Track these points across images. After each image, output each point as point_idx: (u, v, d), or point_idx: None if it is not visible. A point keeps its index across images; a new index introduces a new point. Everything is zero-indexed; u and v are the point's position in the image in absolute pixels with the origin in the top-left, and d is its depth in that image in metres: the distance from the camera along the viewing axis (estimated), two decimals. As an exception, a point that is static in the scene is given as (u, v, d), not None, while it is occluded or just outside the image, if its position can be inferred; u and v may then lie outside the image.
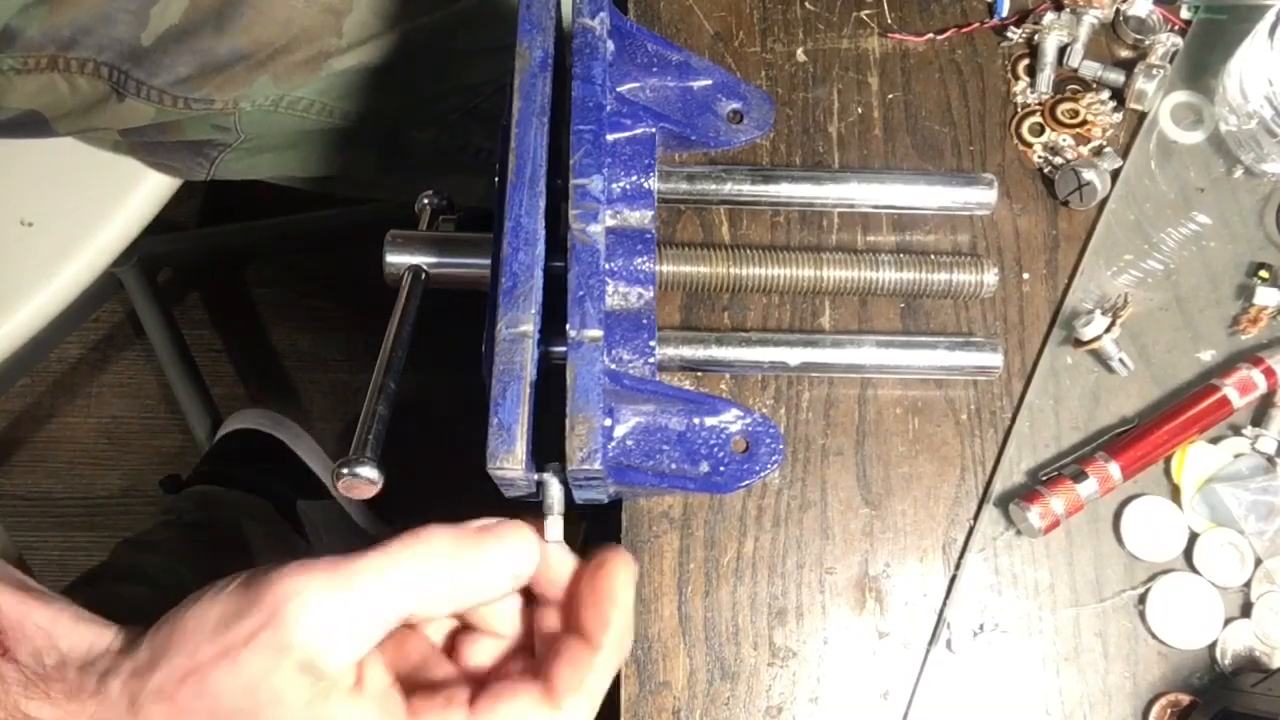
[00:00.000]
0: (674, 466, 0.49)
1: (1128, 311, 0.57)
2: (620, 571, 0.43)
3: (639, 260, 0.52)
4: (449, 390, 1.17)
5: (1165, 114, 0.62)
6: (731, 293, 0.58)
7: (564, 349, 0.46)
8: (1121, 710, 0.54)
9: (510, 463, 0.43)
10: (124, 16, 0.73)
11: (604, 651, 0.42)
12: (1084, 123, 0.61)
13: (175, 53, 0.74)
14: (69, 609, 0.43)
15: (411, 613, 0.41)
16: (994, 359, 0.56)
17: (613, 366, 0.50)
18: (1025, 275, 0.60)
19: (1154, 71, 0.60)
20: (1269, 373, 0.56)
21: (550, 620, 0.45)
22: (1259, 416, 0.57)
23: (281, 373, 1.46)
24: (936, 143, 0.62)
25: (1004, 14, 0.63)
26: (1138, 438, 0.55)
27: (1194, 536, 0.55)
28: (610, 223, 0.53)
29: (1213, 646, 0.54)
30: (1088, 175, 0.58)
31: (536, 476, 0.45)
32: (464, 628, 0.46)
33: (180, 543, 1.09)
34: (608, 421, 0.48)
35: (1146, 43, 0.62)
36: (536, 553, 0.43)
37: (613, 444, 0.49)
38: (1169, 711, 0.54)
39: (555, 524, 0.45)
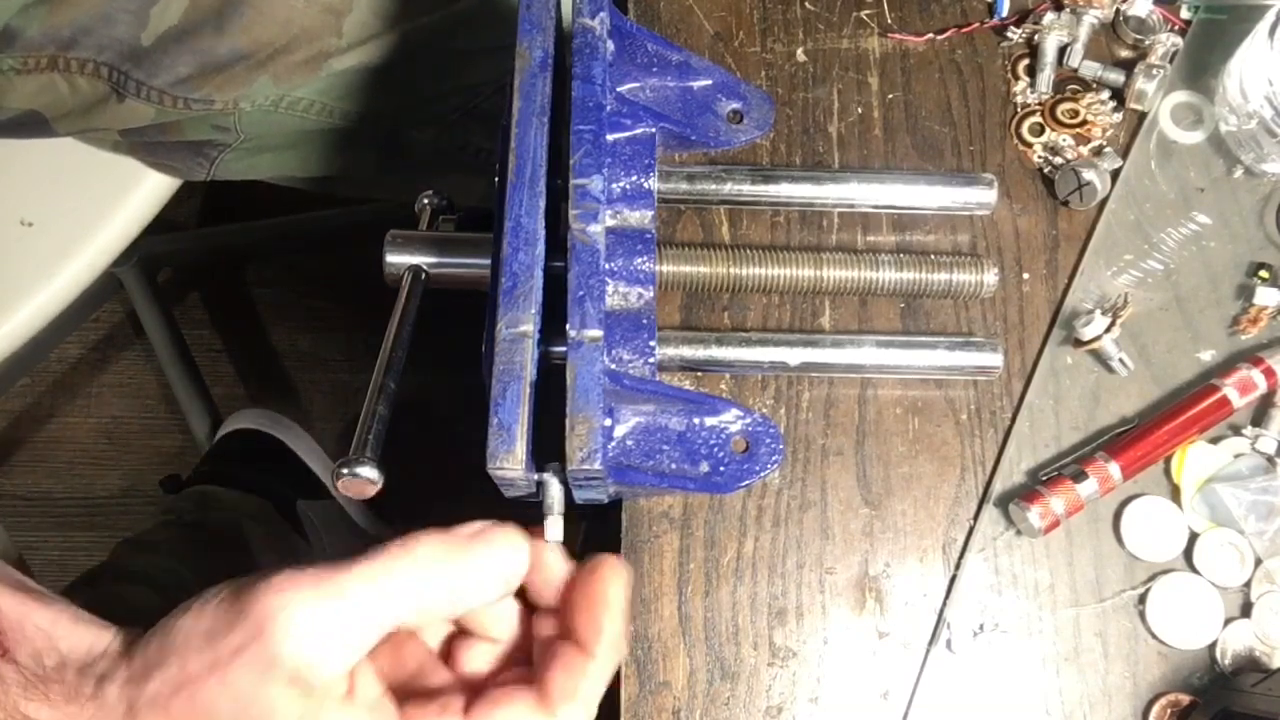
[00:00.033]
0: (674, 466, 0.49)
1: (1128, 311, 0.57)
2: (613, 577, 0.43)
3: (639, 260, 0.52)
4: (449, 390, 1.17)
5: (1165, 114, 0.62)
6: (731, 293, 0.58)
7: (564, 349, 0.46)
8: (1121, 710, 0.54)
9: (510, 463, 0.43)
10: (124, 16, 0.73)
11: (598, 658, 0.42)
12: (1084, 123, 0.61)
13: (175, 53, 0.74)
14: (68, 610, 0.43)
15: (403, 621, 0.41)
16: (994, 359, 0.56)
17: (613, 366, 0.50)
18: (1025, 275, 0.60)
19: (1154, 71, 0.60)
20: (1269, 373, 0.56)
21: (546, 626, 0.45)
22: (1259, 416, 0.57)
23: (281, 373, 1.46)
24: (936, 143, 0.62)
25: (1004, 14, 0.63)
26: (1138, 438, 0.55)
27: (1194, 536, 0.55)
28: (610, 223, 0.53)
29: (1213, 646, 0.54)
30: (1088, 175, 0.58)
31: (536, 476, 0.45)
32: (461, 633, 0.46)
33: (180, 543, 1.09)
34: (608, 421, 0.48)
35: (1146, 43, 0.62)
36: (527, 558, 0.43)
37: (613, 444, 0.49)
38: (1169, 711, 0.54)
39: (555, 524, 0.45)
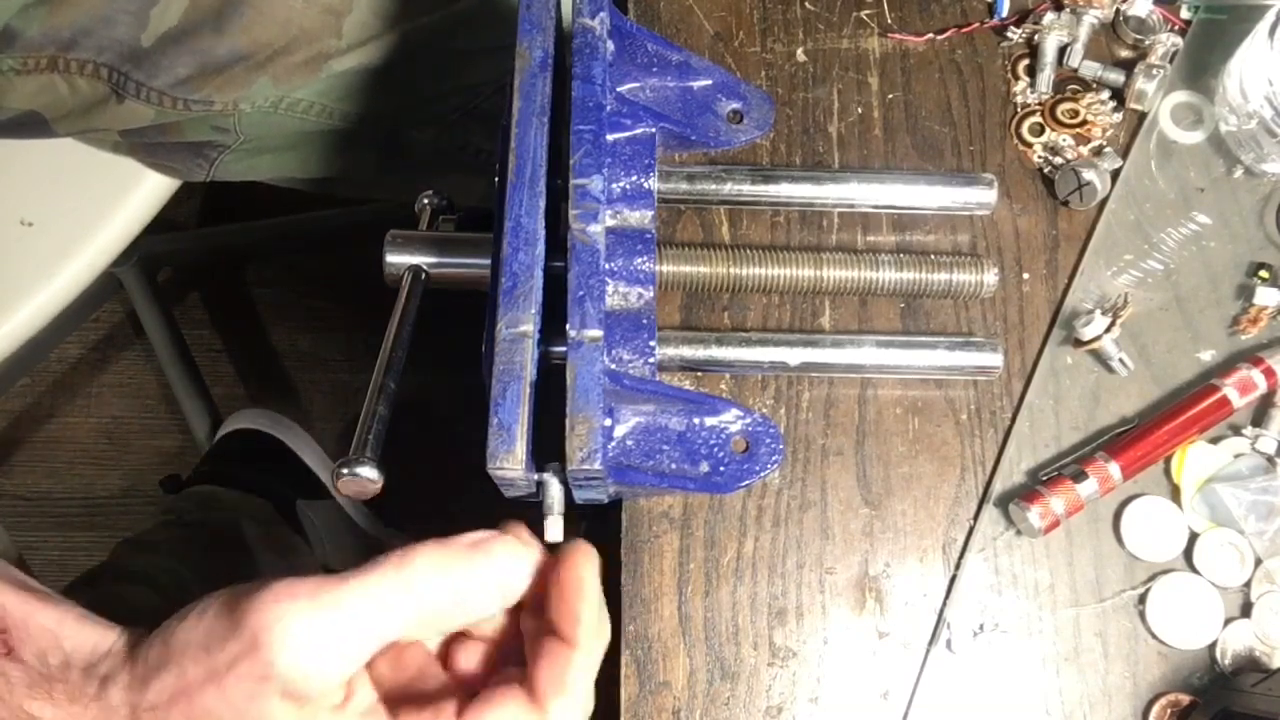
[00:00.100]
0: (674, 466, 0.49)
1: (1128, 311, 0.57)
2: (583, 563, 0.43)
3: (639, 260, 0.52)
4: (449, 390, 1.17)
5: (1165, 114, 0.62)
6: (731, 293, 0.58)
7: (564, 349, 0.46)
8: (1121, 710, 0.54)
9: (510, 463, 0.43)
10: (124, 18, 0.73)
11: (581, 647, 0.42)
12: (1084, 123, 0.61)
13: (175, 54, 0.74)
14: (73, 610, 0.43)
15: (401, 633, 0.41)
16: (994, 359, 0.56)
17: (613, 366, 0.50)
18: (1025, 275, 0.60)
19: (1154, 71, 0.60)
20: (1269, 373, 0.56)
21: (530, 619, 0.45)
22: (1259, 416, 0.57)
23: (281, 373, 1.46)
24: (936, 143, 0.62)
25: (1004, 14, 0.63)
26: (1138, 438, 0.55)
27: (1194, 536, 0.55)
28: (610, 223, 0.53)
29: (1213, 646, 0.54)
30: (1088, 175, 0.58)
31: (536, 476, 0.45)
32: (456, 633, 0.46)
33: (180, 543, 1.09)
34: (608, 421, 0.48)
35: (1146, 43, 0.62)
36: (528, 568, 0.43)
37: (613, 444, 0.49)
38: (1169, 711, 0.54)
39: (555, 524, 0.45)
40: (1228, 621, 0.54)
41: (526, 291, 0.46)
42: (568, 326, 0.46)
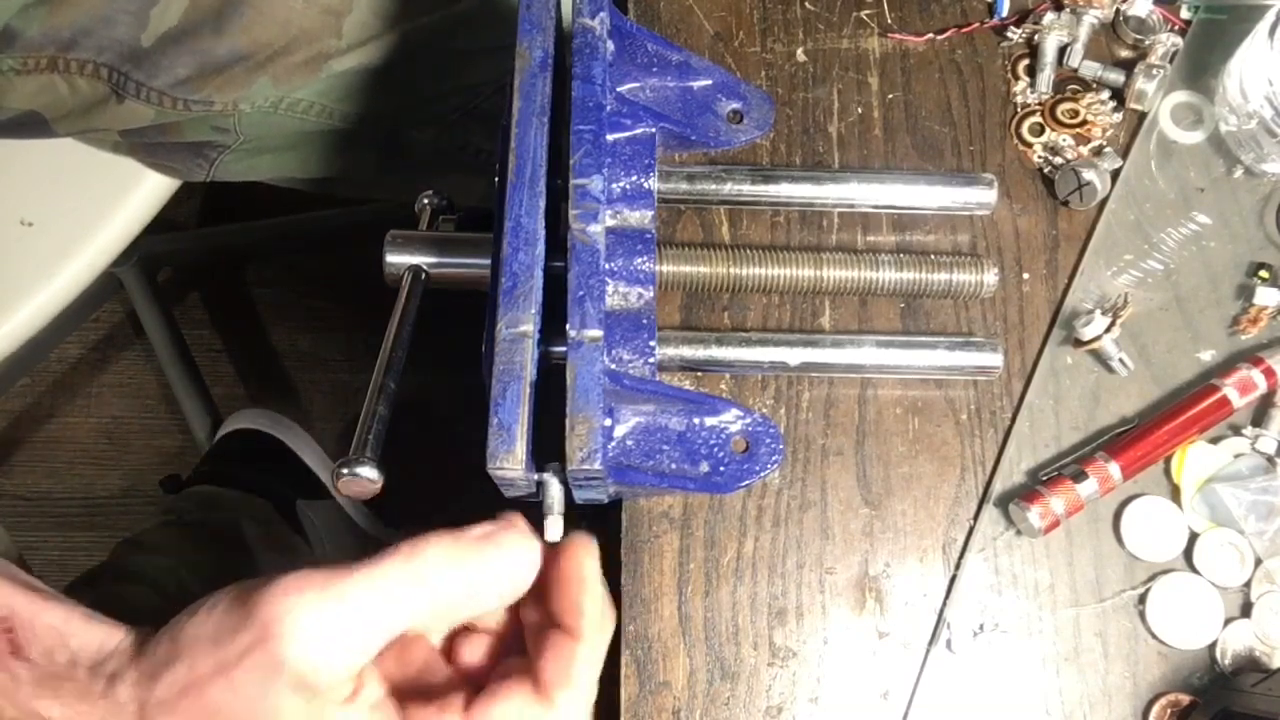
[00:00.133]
0: (674, 466, 0.49)
1: (1128, 311, 0.57)
2: (582, 554, 0.43)
3: (639, 260, 0.52)
4: (449, 390, 1.17)
5: (1165, 114, 0.62)
6: (731, 293, 0.58)
7: (564, 349, 0.46)
8: (1121, 710, 0.54)
9: (510, 463, 0.43)
10: (124, 18, 0.73)
11: (586, 639, 0.42)
12: (1084, 123, 0.61)
13: (175, 54, 0.74)
14: (79, 609, 0.43)
15: (411, 625, 0.41)
16: (994, 359, 0.56)
17: (613, 366, 0.50)
18: (1025, 275, 0.60)
19: (1154, 71, 0.60)
20: (1269, 373, 0.56)
21: (531, 612, 0.45)
22: (1259, 416, 0.57)
23: (281, 373, 1.46)
24: (936, 143, 0.62)
25: (1004, 14, 0.63)
26: (1138, 438, 0.55)
27: (1194, 536, 0.55)
28: (610, 223, 0.53)
29: (1213, 646, 0.54)
30: (1088, 175, 0.58)
31: (536, 476, 0.45)
32: (459, 627, 0.46)
33: (180, 543, 1.09)
34: (608, 421, 0.48)
35: (1146, 43, 0.62)
36: (538, 560, 0.43)
37: (613, 444, 0.49)
38: (1169, 711, 0.54)
39: (555, 524, 0.45)
40: (1228, 621, 0.54)
41: (526, 291, 0.46)
42: (568, 326, 0.46)
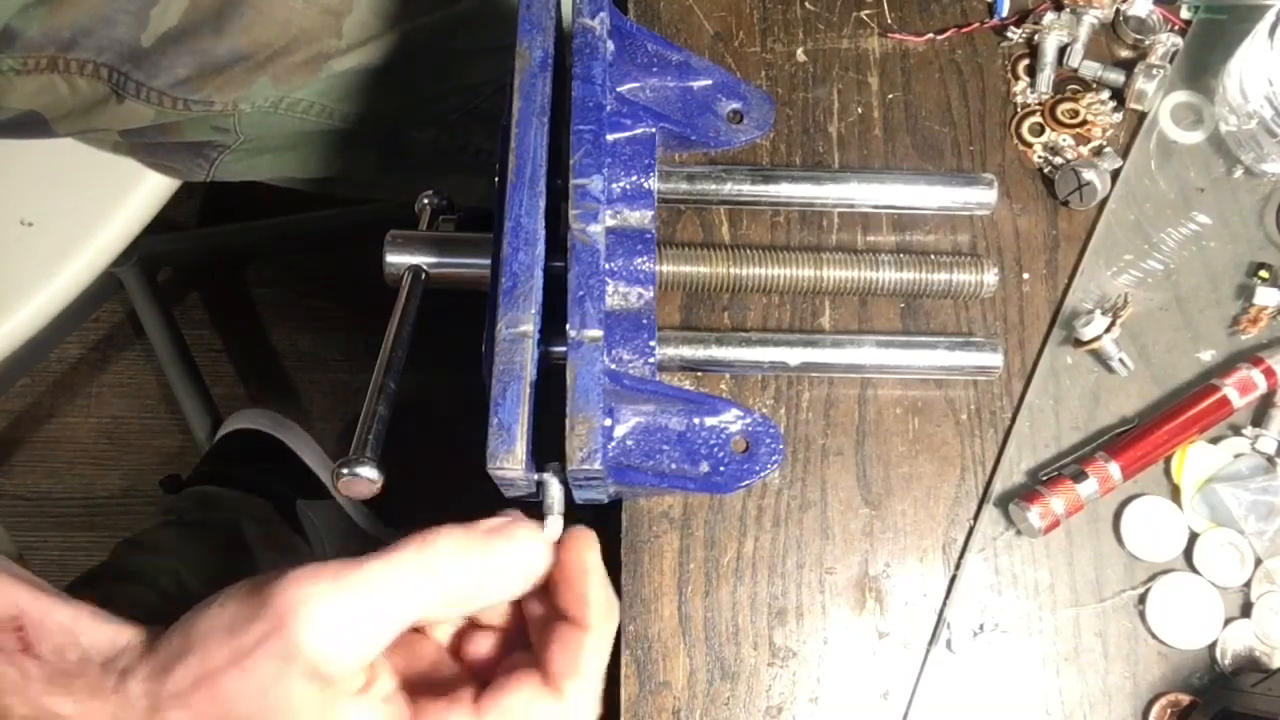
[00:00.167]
0: (674, 466, 0.49)
1: (1128, 311, 0.57)
2: (584, 546, 0.43)
3: (639, 260, 0.52)
4: (449, 390, 1.17)
5: (1165, 114, 0.62)
6: (731, 293, 0.58)
7: (564, 349, 0.46)
8: (1121, 710, 0.54)
9: (510, 463, 0.43)
10: (124, 18, 0.73)
11: (593, 629, 0.42)
12: (1084, 123, 0.61)
13: (175, 54, 0.74)
14: (88, 607, 0.43)
15: (423, 616, 0.41)
16: (994, 359, 0.56)
17: (613, 366, 0.50)
18: (1025, 275, 0.60)
19: (1154, 71, 0.60)
20: (1269, 373, 0.56)
21: (534, 605, 0.45)
22: (1259, 416, 0.57)
23: (281, 373, 1.46)
24: (936, 143, 0.62)
25: (1004, 14, 0.63)
26: (1138, 438, 0.55)
27: (1194, 536, 0.55)
28: (610, 223, 0.53)
29: (1213, 646, 0.54)
30: (1088, 175, 0.58)
31: (536, 476, 0.45)
32: (466, 625, 0.46)
33: (180, 543, 1.09)
34: (608, 421, 0.48)
35: (1146, 43, 0.62)
36: (548, 553, 0.43)
37: (613, 444, 0.49)
38: (1169, 711, 0.54)
39: (555, 524, 0.45)
40: (1228, 621, 0.54)
41: (526, 291, 0.46)
42: (568, 326, 0.46)
